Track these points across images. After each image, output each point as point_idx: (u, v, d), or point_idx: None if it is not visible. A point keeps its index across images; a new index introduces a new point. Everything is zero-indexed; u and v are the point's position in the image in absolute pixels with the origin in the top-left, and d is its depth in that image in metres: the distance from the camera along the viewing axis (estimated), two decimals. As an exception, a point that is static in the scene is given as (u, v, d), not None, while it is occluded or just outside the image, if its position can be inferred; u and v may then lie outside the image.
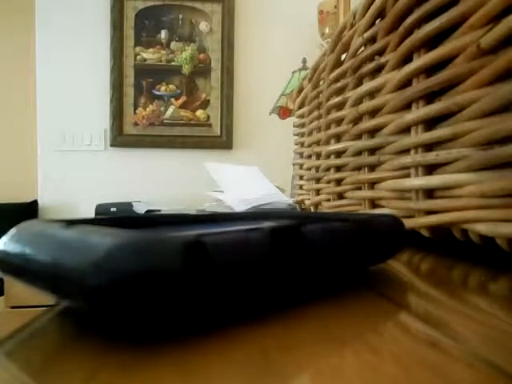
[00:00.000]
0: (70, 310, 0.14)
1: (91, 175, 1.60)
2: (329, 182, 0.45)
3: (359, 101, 0.37)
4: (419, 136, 0.28)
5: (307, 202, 0.54)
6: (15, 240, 0.13)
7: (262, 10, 1.67)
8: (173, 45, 1.64)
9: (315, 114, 0.51)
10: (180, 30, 1.64)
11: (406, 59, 0.29)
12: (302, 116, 0.58)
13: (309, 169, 0.53)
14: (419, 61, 0.27)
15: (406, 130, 0.30)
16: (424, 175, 0.27)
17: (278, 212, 0.54)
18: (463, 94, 0.23)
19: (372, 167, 0.35)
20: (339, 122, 0.42)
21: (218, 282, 0.12)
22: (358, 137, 0.38)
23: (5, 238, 0.14)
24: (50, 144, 1.59)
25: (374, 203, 0.36)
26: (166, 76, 1.63)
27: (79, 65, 1.60)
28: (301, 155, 0.58)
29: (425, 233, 0.28)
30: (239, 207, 0.81)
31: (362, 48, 0.36)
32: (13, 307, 1.19)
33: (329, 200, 0.45)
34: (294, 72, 1.34)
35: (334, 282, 0.18)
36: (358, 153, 0.38)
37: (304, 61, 1.33)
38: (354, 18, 0.38)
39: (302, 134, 0.58)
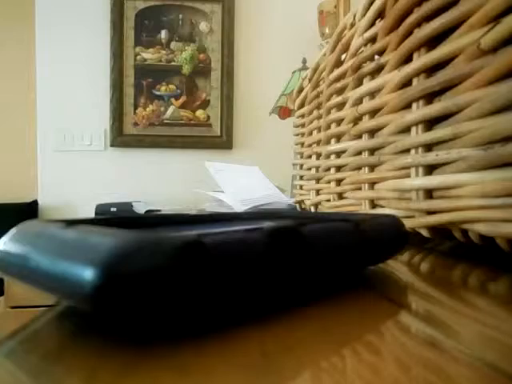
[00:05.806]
0: (70, 310, 0.14)
1: (91, 175, 1.60)
2: (329, 181, 0.45)
3: (359, 101, 0.37)
4: (419, 136, 0.28)
5: (307, 202, 0.54)
6: (15, 240, 0.13)
7: (261, 10, 1.67)
8: (173, 45, 1.63)
9: (315, 114, 0.51)
10: (180, 30, 1.64)
11: (406, 59, 0.29)
12: (302, 116, 0.58)
13: (309, 169, 0.53)
14: (419, 61, 0.27)
15: (406, 129, 0.30)
16: (424, 175, 0.27)
17: (278, 212, 0.54)
18: (463, 94, 0.23)
19: (372, 167, 0.35)
20: (339, 122, 0.42)
21: (217, 282, 0.12)
22: (358, 137, 0.38)
23: (5, 238, 0.14)
24: (49, 144, 1.58)
25: (373, 203, 0.36)
26: (165, 76, 1.63)
27: (79, 65, 1.60)
28: (301, 155, 0.58)
29: (425, 233, 0.28)
30: (239, 207, 0.81)
31: (362, 48, 0.36)
32: (13, 307, 1.19)
33: (329, 200, 0.45)
34: (294, 72, 1.34)
35: (333, 282, 0.18)
36: (358, 153, 0.38)
37: (304, 61, 1.33)
38: (354, 18, 0.38)
39: (302, 134, 0.58)
